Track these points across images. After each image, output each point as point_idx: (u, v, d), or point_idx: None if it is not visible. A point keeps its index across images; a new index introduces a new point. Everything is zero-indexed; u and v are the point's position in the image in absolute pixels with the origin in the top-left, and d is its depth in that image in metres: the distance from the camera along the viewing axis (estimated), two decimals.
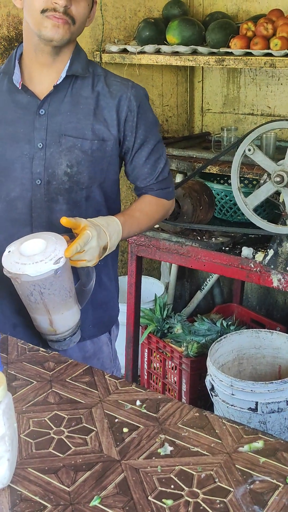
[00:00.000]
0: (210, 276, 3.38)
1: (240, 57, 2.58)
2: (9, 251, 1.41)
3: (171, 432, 1.14)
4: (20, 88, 1.61)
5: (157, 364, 2.95)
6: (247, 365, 2.60)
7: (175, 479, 1.02)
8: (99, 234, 1.49)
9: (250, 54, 2.59)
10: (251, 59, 2.55)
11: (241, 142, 2.31)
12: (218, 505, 0.96)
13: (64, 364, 1.35)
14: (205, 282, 3.42)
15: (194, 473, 1.04)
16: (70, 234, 1.46)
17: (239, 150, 2.31)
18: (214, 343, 2.51)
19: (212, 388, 2.41)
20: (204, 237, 2.55)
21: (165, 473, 1.03)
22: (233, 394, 2.31)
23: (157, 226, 2.66)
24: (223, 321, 2.92)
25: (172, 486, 1.01)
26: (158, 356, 2.93)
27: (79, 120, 1.59)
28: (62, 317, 1.46)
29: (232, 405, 2.33)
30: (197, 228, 2.53)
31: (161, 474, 1.03)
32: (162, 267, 3.36)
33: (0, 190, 1.63)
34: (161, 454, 1.08)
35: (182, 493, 0.99)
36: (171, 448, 1.09)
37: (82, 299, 1.55)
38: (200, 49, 2.72)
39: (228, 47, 2.69)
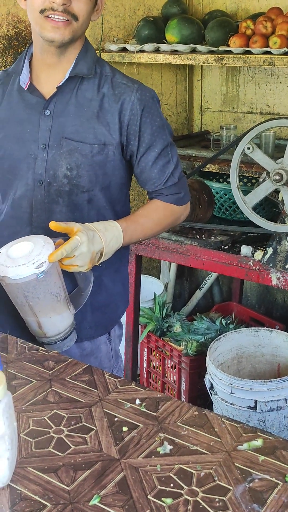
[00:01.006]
0: (210, 275, 3.38)
1: (239, 56, 2.58)
2: (0, 252, 1.41)
3: (170, 430, 1.14)
4: (26, 88, 1.61)
5: (157, 363, 2.95)
6: (246, 364, 2.60)
7: (175, 477, 1.02)
8: (92, 239, 1.48)
9: (249, 52, 2.59)
10: (250, 57, 2.54)
11: (240, 141, 2.31)
12: (218, 504, 0.97)
13: (64, 363, 1.35)
14: (204, 281, 3.42)
15: (194, 471, 1.04)
16: (66, 238, 1.46)
17: (238, 148, 2.31)
18: (213, 341, 2.52)
19: (212, 387, 2.42)
20: (203, 235, 2.55)
21: (165, 472, 1.04)
22: (232, 393, 2.31)
23: None
24: (222, 319, 2.92)
25: (172, 485, 1.01)
26: (157, 355, 2.93)
27: (82, 123, 1.58)
28: (50, 321, 1.45)
29: (231, 404, 2.33)
30: (196, 226, 2.53)
31: (160, 473, 1.03)
32: (162, 266, 3.36)
33: (9, 188, 1.64)
34: (160, 452, 1.08)
35: (182, 491, 0.99)
36: (171, 447, 1.09)
37: (78, 303, 1.55)
38: (199, 47, 2.72)
39: (228, 45, 2.69)
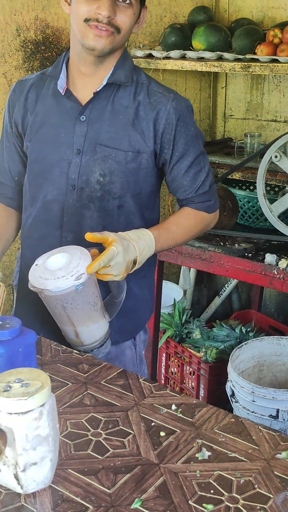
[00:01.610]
0: (229, 282, 3.37)
1: (266, 64, 2.58)
2: (36, 264, 1.42)
3: (208, 437, 1.14)
4: (63, 93, 1.62)
5: (175, 369, 2.95)
6: (267, 372, 2.60)
7: (214, 484, 1.02)
8: (127, 249, 1.48)
9: (276, 61, 2.59)
10: (277, 66, 2.55)
11: (267, 149, 2.31)
12: (259, 511, 0.97)
13: (98, 367, 1.35)
14: (224, 288, 3.42)
15: (233, 478, 1.04)
16: (100, 247, 1.47)
17: (265, 156, 2.31)
18: (235, 349, 2.51)
19: (233, 394, 2.41)
20: (227, 243, 2.55)
21: (204, 478, 1.03)
22: (254, 401, 2.30)
23: None
24: (242, 327, 2.91)
25: (212, 491, 1.01)
26: (176, 361, 2.93)
27: (117, 130, 1.58)
28: (87, 330, 1.46)
29: (252, 412, 2.32)
30: (221, 233, 2.53)
31: (200, 479, 1.03)
32: (183, 273, 3.36)
33: (38, 191, 1.65)
34: (199, 458, 1.08)
35: (222, 498, 0.99)
36: (209, 453, 1.09)
37: (112, 311, 1.55)
38: (226, 55, 2.72)
39: (254, 53, 2.69)
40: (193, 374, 2.82)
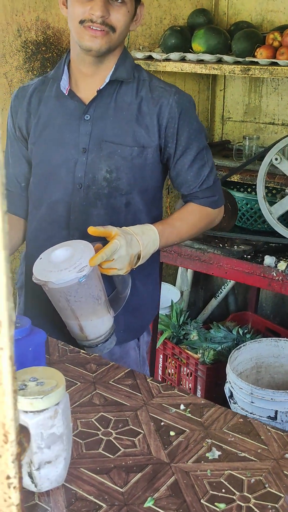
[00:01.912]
0: (226, 284, 3.39)
1: (266, 67, 2.60)
2: (41, 258, 1.44)
3: (217, 437, 1.14)
4: (66, 94, 1.63)
5: (172, 370, 2.96)
6: (265, 374, 2.61)
7: (225, 483, 1.03)
8: (130, 243, 1.49)
9: (275, 64, 2.61)
10: (277, 69, 2.56)
11: (267, 151, 2.33)
12: (270, 511, 0.97)
13: (106, 367, 1.36)
14: (220, 290, 3.43)
15: (244, 478, 1.04)
16: (104, 242, 1.48)
17: (266, 159, 2.32)
18: (233, 350, 2.52)
19: (231, 395, 2.42)
20: (226, 244, 2.56)
21: (215, 477, 1.04)
22: (252, 402, 2.31)
23: None
24: (239, 329, 2.93)
25: (223, 490, 1.01)
26: (173, 362, 2.93)
27: (121, 127, 1.60)
28: (91, 324, 1.47)
29: (251, 413, 2.33)
30: (220, 235, 2.54)
31: (211, 478, 1.04)
32: (181, 274, 3.37)
33: (43, 193, 1.66)
34: (209, 458, 1.09)
35: (234, 497, 1.00)
36: (219, 453, 1.10)
37: (117, 306, 1.56)
38: (226, 58, 2.74)
39: (254, 56, 2.71)
40: (190, 375, 2.83)
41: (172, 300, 3.11)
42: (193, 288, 3.50)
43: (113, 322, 1.53)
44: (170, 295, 3.26)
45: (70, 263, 1.38)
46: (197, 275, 3.47)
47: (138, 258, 1.54)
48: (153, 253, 1.65)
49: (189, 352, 2.85)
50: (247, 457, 1.10)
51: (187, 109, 1.64)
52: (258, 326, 3.12)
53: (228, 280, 3.30)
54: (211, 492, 1.01)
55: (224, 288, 3.40)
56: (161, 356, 3.00)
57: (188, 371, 2.85)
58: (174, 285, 3.45)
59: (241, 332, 2.92)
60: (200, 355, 2.80)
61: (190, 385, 2.84)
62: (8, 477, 0.62)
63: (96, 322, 1.46)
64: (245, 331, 2.94)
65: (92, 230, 1.46)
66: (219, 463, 1.08)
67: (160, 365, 3.02)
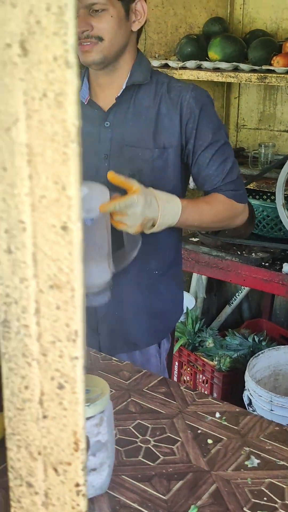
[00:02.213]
0: (240, 291, 3.39)
1: (282, 75, 2.61)
2: None
3: (254, 445, 1.15)
4: (86, 103, 1.65)
5: (187, 377, 2.96)
6: (283, 381, 2.61)
7: (266, 491, 1.03)
8: (150, 204, 1.43)
9: None
10: None
11: (287, 159, 2.34)
12: None
13: (139, 374, 1.36)
14: (234, 297, 3.43)
15: (284, 486, 1.05)
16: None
17: (285, 167, 2.33)
18: (252, 358, 2.52)
19: (250, 403, 2.42)
20: (244, 252, 2.57)
21: (256, 485, 1.04)
22: (272, 410, 2.31)
23: (196, 239, 2.68)
24: (255, 336, 2.93)
25: (265, 498, 1.01)
26: (188, 369, 2.93)
27: (141, 130, 1.61)
28: (86, 270, 1.43)
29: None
30: (239, 242, 2.55)
31: (252, 486, 1.04)
32: (197, 281, 3.37)
33: None
34: (248, 466, 1.09)
35: (276, 505, 1.00)
36: (258, 461, 1.10)
37: (120, 264, 1.50)
38: (242, 66, 2.75)
39: (270, 64, 2.72)
40: (206, 383, 2.83)
41: (187, 307, 3.11)
42: (206, 295, 3.50)
43: (111, 280, 1.47)
44: (185, 301, 3.25)
45: (81, 201, 1.36)
46: (210, 282, 3.47)
47: (153, 225, 1.49)
48: (177, 253, 1.64)
49: (205, 359, 2.85)
50: (286, 465, 1.10)
51: (206, 104, 1.63)
52: (272, 333, 3.12)
53: (242, 287, 3.30)
54: (253, 500, 1.01)
55: (239, 295, 3.40)
56: (177, 363, 3.00)
57: (204, 378, 2.85)
58: (188, 292, 3.45)
59: (256, 340, 2.92)
60: (216, 362, 2.80)
61: (206, 392, 2.84)
62: (77, 485, 0.63)
63: (91, 270, 1.41)
64: (261, 338, 2.94)
65: (111, 175, 1.41)
66: (258, 471, 1.08)
67: (176, 372, 3.02)
